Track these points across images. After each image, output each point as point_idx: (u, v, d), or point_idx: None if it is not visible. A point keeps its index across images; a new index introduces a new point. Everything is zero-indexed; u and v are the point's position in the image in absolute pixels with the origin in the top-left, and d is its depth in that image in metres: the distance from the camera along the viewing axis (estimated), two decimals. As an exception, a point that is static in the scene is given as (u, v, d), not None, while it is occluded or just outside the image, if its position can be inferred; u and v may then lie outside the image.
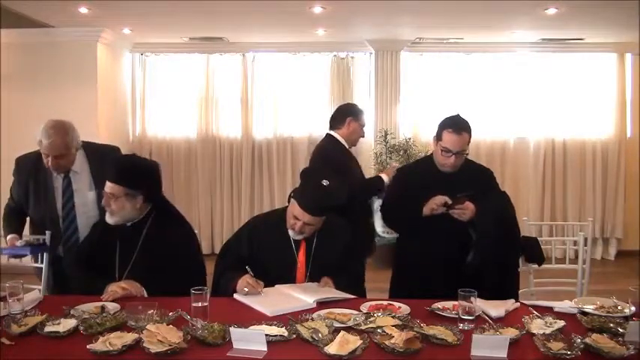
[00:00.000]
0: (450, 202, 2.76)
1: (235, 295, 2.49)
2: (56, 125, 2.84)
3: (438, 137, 2.85)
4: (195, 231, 3.09)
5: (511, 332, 2.00)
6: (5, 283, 2.24)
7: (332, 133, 3.81)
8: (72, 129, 2.89)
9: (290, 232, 2.64)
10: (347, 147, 3.80)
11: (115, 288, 2.47)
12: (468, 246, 2.82)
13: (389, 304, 2.33)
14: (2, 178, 5.26)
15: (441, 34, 6.16)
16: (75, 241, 2.97)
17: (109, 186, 2.57)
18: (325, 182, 2.55)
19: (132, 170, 2.63)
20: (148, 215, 2.69)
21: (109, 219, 2.63)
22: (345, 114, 3.82)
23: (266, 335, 1.93)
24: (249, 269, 2.54)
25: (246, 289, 2.48)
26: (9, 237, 2.97)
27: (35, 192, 2.98)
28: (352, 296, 2.47)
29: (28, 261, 3.16)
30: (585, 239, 3.42)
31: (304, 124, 6.72)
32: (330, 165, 3.54)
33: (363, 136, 3.98)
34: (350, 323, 2.11)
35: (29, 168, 2.99)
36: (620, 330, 2.02)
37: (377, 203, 3.79)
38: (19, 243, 2.91)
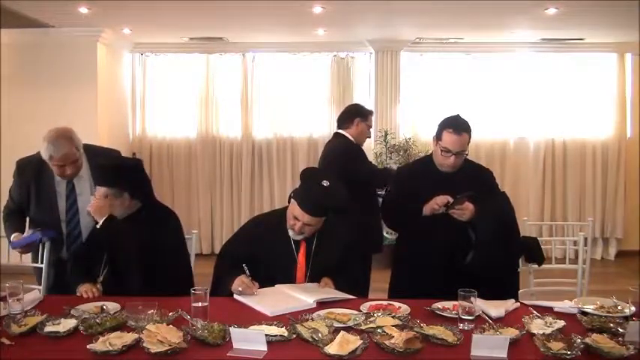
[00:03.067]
0: (450, 201, 2.76)
1: (235, 295, 2.49)
2: (61, 134, 2.87)
3: (438, 137, 2.85)
4: (195, 231, 3.10)
5: (511, 332, 2.00)
6: (5, 283, 2.25)
7: (341, 132, 3.87)
8: (73, 132, 2.94)
9: (290, 233, 2.64)
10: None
11: (87, 289, 2.56)
12: (467, 246, 2.82)
13: (389, 304, 2.33)
14: (2, 178, 5.29)
15: (441, 34, 6.16)
16: (79, 244, 2.99)
17: (97, 189, 2.69)
18: (325, 183, 2.55)
19: (113, 171, 2.72)
20: (138, 212, 2.74)
21: (102, 220, 2.69)
22: (354, 115, 3.87)
23: (266, 335, 1.93)
24: (245, 267, 2.54)
25: (239, 289, 2.48)
26: (13, 235, 2.97)
27: (37, 195, 2.99)
28: (352, 296, 2.47)
29: (28, 261, 3.17)
30: (585, 239, 3.42)
31: (304, 124, 6.72)
32: (352, 155, 3.65)
33: (370, 137, 4.05)
34: (350, 323, 2.11)
35: (31, 171, 3.00)
36: (620, 330, 2.02)
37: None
38: (25, 234, 2.92)
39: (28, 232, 2.95)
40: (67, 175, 2.93)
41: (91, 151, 3.07)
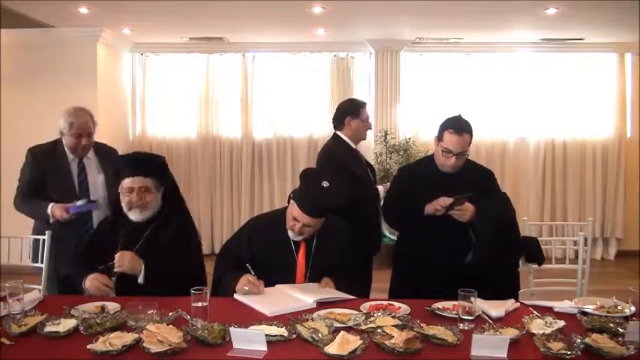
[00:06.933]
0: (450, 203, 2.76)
1: (235, 295, 2.49)
2: (81, 108, 3.23)
3: (439, 138, 2.86)
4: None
5: (511, 332, 2.00)
6: (5, 283, 2.24)
7: (338, 132, 3.81)
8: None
9: (289, 233, 2.64)
10: (353, 146, 3.79)
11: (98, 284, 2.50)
12: (467, 246, 2.82)
13: (389, 304, 2.33)
14: (3, 177, 5.30)
15: (441, 34, 6.16)
16: (88, 217, 3.17)
17: (140, 180, 2.60)
18: (325, 184, 2.55)
19: (156, 164, 2.72)
20: (157, 213, 2.69)
21: (140, 215, 2.63)
22: (343, 114, 3.79)
23: (266, 335, 1.93)
24: (249, 267, 2.54)
25: (246, 288, 2.48)
26: (56, 205, 3.05)
27: (54, 173, 3.20)
28: (352, 296, 2.47)
29: (28, 261, 3.17)
30: (585, 239, 3.41)
31: (304, 124, 6.72)
32: (332, 165, 3.56)
33: (370, 128, 3.92)
34: (350, 323, 2.11)
35: (46, 154, 3.23)
36: (620, 330, 2.02)
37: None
38: (79, 202, 3.06)
39: (80, 201, 3.09)
40: (82, 147, 3.17)
41: (95, 143, 3.32)
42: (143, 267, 2.53)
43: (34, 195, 3.18)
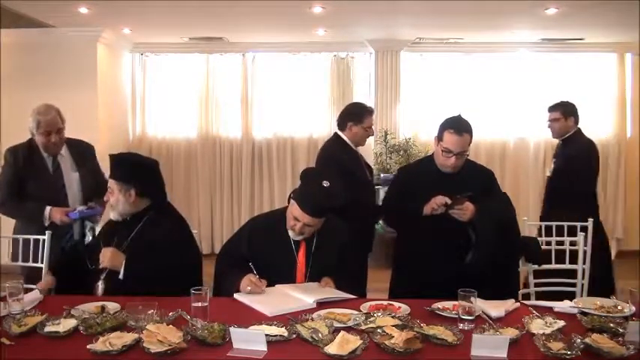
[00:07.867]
0: (449, 202, 2.76)
1: (235, 295, 2.49)
2: (48, 105, 3.22)
3: (439, 138, 2.86)
4: (195, 231, 3.09)
5: (511, 332, 2.00)
6: (5, 283, 2.25)
7: (339, 132, 3.83)
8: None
9: (290, 233, 2.64)
10: (353, 147, 3.81)
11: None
12: (467, 246, 2.82)
13: (389, 304, 2.33)
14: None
15: (441, 34, 6.16)
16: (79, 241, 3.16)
17: (109, 181, 2.71)
18: (326, 183, 2.55)
19: (124, 165, 2.73)
20: (145, 211, 2.72)
21: (111, 214, 2.73)
22: (346, 118, 3.82)
23: (266, 335, 1.93)
24: (252, 266, 2.55)
25: (248, 288, 2.48)
26: (55, 209, 3.11)
27: (33, 172, 3.24)
28: (352, 296, 2.47)
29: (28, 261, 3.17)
30: (585, 239, 3.42)
31: (304, 124, 6.72)
32: (330, 165, 3.58)
33: (372, 135, 3.97)
34: (350, 323, 2.11)
35: (23, 153, 3.27)
36: (620, 330, 2.02)
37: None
38: (80, 208, 3.13)
39: (80, 207, 3.15)
40: (52, 144, 3.20)
41: (69, 140, 3.37)
42: (123, 264, 2.56)
43: (16, 195, 3.19)
